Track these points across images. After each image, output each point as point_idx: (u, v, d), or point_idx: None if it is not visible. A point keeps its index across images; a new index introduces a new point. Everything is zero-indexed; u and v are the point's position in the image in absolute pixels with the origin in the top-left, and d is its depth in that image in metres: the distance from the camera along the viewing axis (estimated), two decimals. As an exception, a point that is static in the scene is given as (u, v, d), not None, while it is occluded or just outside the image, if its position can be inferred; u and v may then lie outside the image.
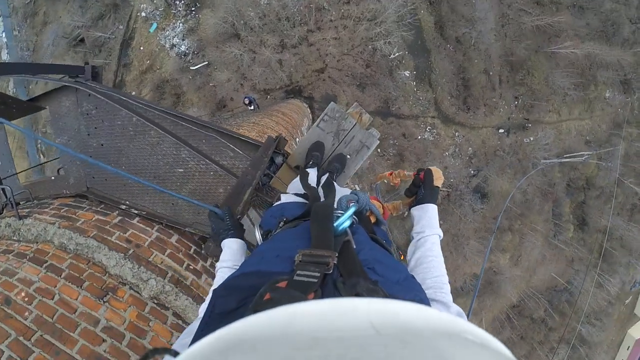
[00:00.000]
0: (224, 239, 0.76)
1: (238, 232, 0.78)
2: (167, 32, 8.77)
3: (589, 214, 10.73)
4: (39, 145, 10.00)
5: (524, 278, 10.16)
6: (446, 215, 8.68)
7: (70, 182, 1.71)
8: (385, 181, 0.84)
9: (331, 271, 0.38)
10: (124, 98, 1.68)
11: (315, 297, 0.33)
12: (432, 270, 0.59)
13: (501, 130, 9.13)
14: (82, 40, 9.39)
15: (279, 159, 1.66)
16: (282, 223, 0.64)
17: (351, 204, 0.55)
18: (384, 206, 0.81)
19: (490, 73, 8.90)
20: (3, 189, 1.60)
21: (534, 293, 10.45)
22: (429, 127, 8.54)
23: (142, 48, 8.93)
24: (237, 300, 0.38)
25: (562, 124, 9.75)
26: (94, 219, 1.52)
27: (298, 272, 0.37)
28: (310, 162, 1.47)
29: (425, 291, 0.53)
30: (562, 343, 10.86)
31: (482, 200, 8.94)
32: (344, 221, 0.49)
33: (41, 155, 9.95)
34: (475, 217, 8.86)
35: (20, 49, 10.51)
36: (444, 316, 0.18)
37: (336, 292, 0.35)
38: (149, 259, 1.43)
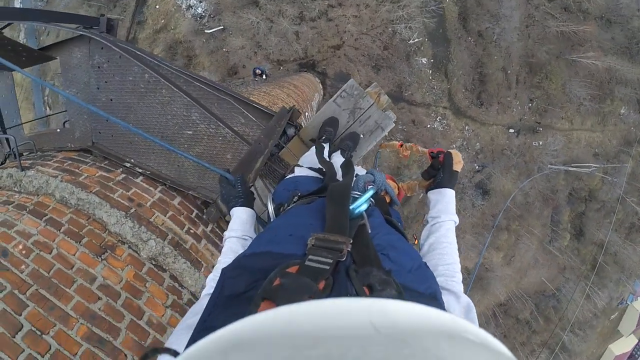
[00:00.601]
0: (233, 207, 0.73)
1: (248, 200, 0.75)
2: (185, -9, 8.56)
3: (587, 225, 10.78)
4: (46, 97, 9.92)
5: (514, 278, 10.31)
6: (446, 207, 8.70)
7: (76, 136, 1.67)
8: (388, 150, 0.84)
9: (344, 258, 0.37)
10: (139, 53, 1.62)
11: (326, 285, 0.33)
12: (446, 257, 0.57)
13: (511, 130, 9.06)
14: (97, -8, 9.17)
15: (291, 131, 1.63)
16: (296, 198, 0.62)
17: (369, 186, 0.54)
18: (399, 186, 0.79)
19: (508, 72, 8.76)
20: (7, 139, 1.58)
21: (522, 294, 10.63)
22: (439, 117, 8.47)
23: (157, 6, 8.73)
24: (246, 283, 0.36)
25: (573, 133, 9.68)
26: (97, 174, 1.50)
27: (310, 256, 0.36)
28: (323, 137, 1.45)
29: (438, 278, 0.52)
30: (544, 348, 11.11)
31: (483, 196, 8.96)
32: (361, 204, 0.47)
33: (47, 108, 9.89)
34: (474, 213, 8.91)
35: (33, -2, 10.28)
36: (444, 316, 0.18)
37: (348, 281, 0.34)
38: (150, 220, 1.42)
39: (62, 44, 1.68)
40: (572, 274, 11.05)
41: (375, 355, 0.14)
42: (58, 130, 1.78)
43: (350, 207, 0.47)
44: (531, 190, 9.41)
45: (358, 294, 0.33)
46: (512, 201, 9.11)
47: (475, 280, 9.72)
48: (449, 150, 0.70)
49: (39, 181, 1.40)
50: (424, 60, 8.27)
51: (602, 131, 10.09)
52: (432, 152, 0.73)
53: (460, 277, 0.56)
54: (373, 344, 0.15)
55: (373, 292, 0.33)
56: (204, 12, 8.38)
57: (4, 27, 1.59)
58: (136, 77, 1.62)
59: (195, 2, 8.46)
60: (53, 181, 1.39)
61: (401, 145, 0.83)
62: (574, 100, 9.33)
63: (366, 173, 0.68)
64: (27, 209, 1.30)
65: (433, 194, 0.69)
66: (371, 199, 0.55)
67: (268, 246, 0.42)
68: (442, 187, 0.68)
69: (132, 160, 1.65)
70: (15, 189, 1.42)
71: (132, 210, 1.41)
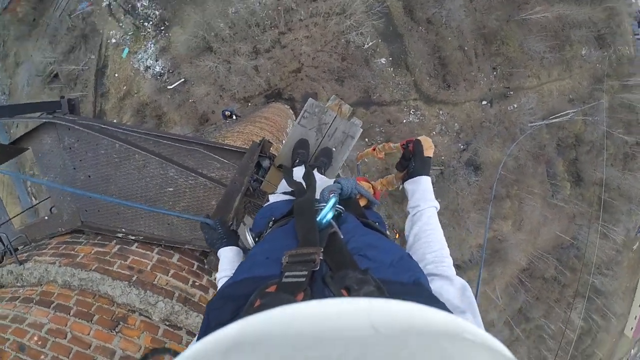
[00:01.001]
0: (219, 248, 0.76)
1: (232, 239, 0.77)
2: (140, 55, 8.73)
3: (582, 169, 10.90)
4: (29, 188, 9.91)
5: (529, 241, 10.30)
6: (442, 192, 8.77)
7: (64, 219, 1.71)
8: (366, 160, 0.83)
9: (318, 267, 0.38)
10: (104, 126, 1.67)
11: (305, 296, 0.33)
12: (432, 244, 0.57)
13: (484, 102, 9.23)
14: (56, 75, 9.31)
15: (265, 163, 1.66)
16: (271, 223, 0.63)
17: (332, 195, 0.54)
18: (373, 186, 0.80)
19: (465, 48, 8.99)
20: (5, 236, 1.60)
21: (541, 254, 10.61)
22: (412, 110, 8.61)
23: (116, 75, 8.88)
24: (231, 311, 0.37)
25: (543, 87, 9.88)
26: (93, 251, 1.52)
27: (286, 273, 0.37)
28: (297, 161, 1.47)
29: (427, 267, 0.53)
30: (577, 297, 11.03)
31: (475, 172, 9.05)
32: (325, 214, 0.48)
33: (33, 198, 9.87)
34: (472, 190, 8.97)
35: (-5, 93, 10.41)
36: (444, 316, 0.18)
37: (325, 288, 0.35)
38: (154, 282, 1.43)
39: (31, 134, 1.71)
40: (583, 219, 11.09)
41: (374, 356, 0.14)
42: (46, 217, 1.79)
43: (317, 219, 0.48)
44: (520, 153, 9.53)
45: (336, 297, 0.33)
46: (504, 168, 9.20)
47: (492, 254, 9.71)
48: (418, 138, 0.69)
49: (38, 271, 1.42)
50: (383, 60, 8.47)
51: (570, 77, 10.32)
52: (403, 144, 0.73)
53: (450, 261, 0.55)
54: (372, 344, 0.15)
55: (351, 292, 0.33)
56: (162, 69, 8.54)
57: None
58: (108, 149, 1.66)
59: (152, 62, 8.63)
60: (52, 268, 1.41)
61: (374, 149, 0.83)
62: (534, 57, 9.56)
63: (334, 182, 0.68)
64: (34, 301, 1.32)
65: (409, 184, 0.69)
66: (339, 206, 0.56)
67: (247, 273, 0.43)
68: (416, 176, 0.68)
69: (124, 230, 1.67)
70: (18, 283, 1.44)
71: (134, 278, 1.42)
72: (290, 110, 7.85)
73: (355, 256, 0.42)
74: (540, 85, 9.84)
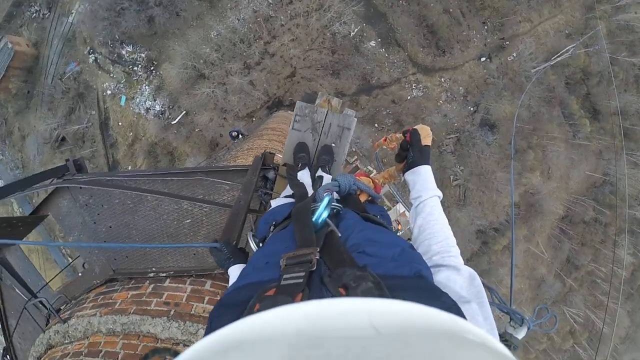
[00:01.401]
0: (227, 268, 0.76)
1: (238, 258, 0.77)
2: (137, 99, 8.89)
3: (597, 102, 10.52)
4: (63, 250, 10.23)
5: (561, 188, 9.99)
6: (464, 158, 8.59)
7: (97, 272, 1.79)
8: (384, 147, 0.79)
9: (315, 268, 0.38)
10: (110, 178, 1.74)
11: (303, 297, 0.33)
12: (437, 235, 0.56)
13: (483, 59, 9.01)
14: (63, 139, 9.58)
15: (271, 174, 1.64)
16: (272, 227, 0.63)
17: (325, 194, 0.53)
18: (373, 180, 0.78)
19: (450, 10, 8.80)
20: (41, 302, 1.67)
21: (576, 198, 10.28)
22: (414, 85, 8.47)
23: (120, 123, 9.07)
24: (232, 318, 0.36)
25: (537, 29, 9.59)
26: (129, 296, 1.58)
27: (284, 276, 0.37)
28: (300, 165, 1.47)
29: (433, 257, 0.53)
30: (621, 234, 10.64)
31: (492, 131, 8.83)
32: (320, 213, 0.48)
33: (68, 258, 10.18)
34: (492, 150, 8.75)
35: (10, 169, 10.80)
36: (444, 316, 0.18)
37: (323, 287, 0.35)
38: (191, 312, 1.46)
39: (47, 200, 1.80)
40: (610, 153, 10.70)
41: (375, 356, 0.14)
42: (80, 274, 1.88)
43: (313, 219, 0.48)
44: (531, 101, 9.25)
45: (334, 296, 0.33)
46: (520, 120, 8.95)
47: (527, 210, 9.45)
48: (414, 127, 0.68)
49: (82, 325, 1.48)
50: (372, 43, 8.37)
51: (561, 12, 9.98)
52: (404, 132, 0.70)
53: (456, 250, 0.54)
54: (373, 344, 0.15)
55: (348, 290, 0.32)
56: (162, 107, 8.68)
57: None
58: (121, 198, 1.72)
59: (150, 102, 8.77)
60: (94, 319, 1.47)
61: (385, 140, 0.80)
62: (521, 1, 9.29)
63: (332, 180, 0.67)
64: (83, 354, 1.37)
65: (409, 175, 0.67)
66: (337, 203, 0.56)
67: (247, 279, 0.43)
68: (415, 166, 0.66)
69: (154, 269, 1.72)
70: (66, 341, 1.50)
71: (172, 312, 1.46)
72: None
73: (354, 253, 0.42)
74: (533, 27, 9.55)
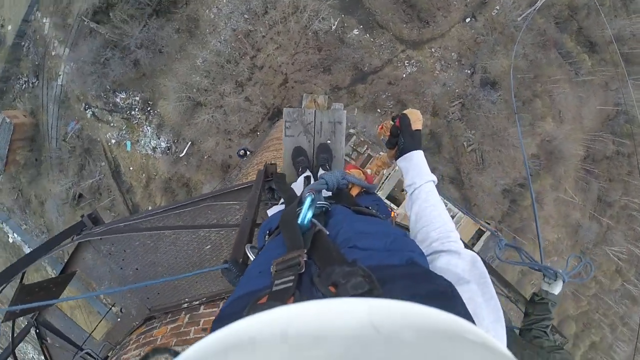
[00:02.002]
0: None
1: None
2: (142, 140, 9.06)
3: (590, 35, 10.25)
4: (103, 300, 10.46)
5: (576, 128, 9.76)
6: (472, 122, 8.47)
7: (134, 314, 1.84)
8: (382, 137, 0.77)
9: (303, 269, 0.37)
10: (125, 223, 1.82)
11: (294, 300, 0.33)
12: (434, 221, 0.55)
13: (467, 20, 8.88)
14: (80, 195, 9.83)
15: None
16: (266, 237, 0.62)
17: (308, 195, 0.52)
18: (364, 172, 0.76)
19: (423, -21, 8.70)
20: (87, 353, 1.74)
21: (594, 135, 10.02)
22: (406, 62, 8.40)
23: (131, 168, 9.25)
24: None
25: (513, -24, 9.38)
26: (168, 330, 1.60)
27: (275, 282, 0.37)
28: (300, 169, 1.46)
29: (432, 244, 0.52)
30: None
31: (494, 88, 8.68)
32: (304, 215, 0.48)
33: (109, 306, 10.40)
34: (499, 107, 8.60)
35: (35, 236, 11.12)
36: (444, 316, 0.18)
37: (313, 288, 0.35)
38: None
39: (72, 257, 1.88)
40: (616, 82, 10.38)
41: (375, 356, 0.14)
42: (119, 319, 1.94)
43: (298, 222, 0.47)
44: (526, 50, 9.07)
45: (325, 295, 0.32)
46: (519, 71, 8.77)
47: (547, 158, 9.25)
48: (404, 112, 0.66)
49: None
50: (355, 31, 8.35)
51: (533, -45, 9.75)
52: (393, 118, 0.69)
53: (455, 235, 0.54)
54: (373, 344, 0.15)
55: (338, 287, 0.32)
56: (167, 143, 8.82)
57: (22, 278, 1.73)
58: (140, 240, 1.79)
59: (155, 141, 8.93)
60: (161, 350, 1.49)
61: (382, 128, 0.78)
62: (491, -47, 9.12)
63: (319, 178, 0.65)
64: None
65: (401, 162, 0.66)
66: (324, 201, 0.55)
67: (242, 290, 0.43)
68: (407, 152, 0.64)
69: (187, 299, 1.77)
70: None
71: None
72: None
73: (345, 249, 0.41)
74: (510, -24, 9.34)
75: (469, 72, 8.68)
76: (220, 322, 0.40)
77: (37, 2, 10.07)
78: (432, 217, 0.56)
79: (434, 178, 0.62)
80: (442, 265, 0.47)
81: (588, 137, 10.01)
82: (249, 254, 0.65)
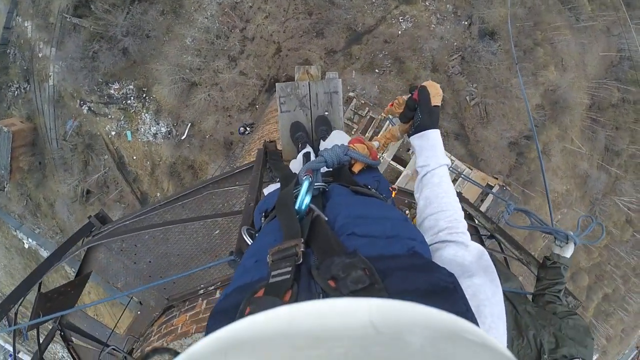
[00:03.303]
0: None
1: None
2: (142, 128, 9.02)
3: (590, -23, 9.79)
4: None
5: (580, 76, 9.51)
6: (473, 75, 8.28)
7: (153, 305, 1.87)
8: (391, 116, 0.71)
9: (301, 260, 0.36)
10: (130, 220, 1.83)
11: (292, 294, 0.31)
12: (444, 208, 0.52)
13: (460, -32, 8.51)
14: (88, 192, 9.91)
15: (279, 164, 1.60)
16: (263, 219, 0.58)
17: (305, 177, 0.48)
18: (368, 146, 0.71)
19: None
20: (113, 349, 1.76)
21: (598, 82, 9.78)
22: (400, 18, 8.15)
23: (135, 157, 9.26)
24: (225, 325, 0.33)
25: None
26: (187, 317, 1.63)
27: (272, 273, 0.35)
28: (300, 145, 1.41)
29: (439, 233, 0.50)
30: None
31: (493, 38, 8.42)
32: (302, 200, 0.45)
33: (130, 297, 10.67)
34: (500, 57, 8.37)
35: (50, 237, 11.31)
36: (445, 316, 0.18)
37: (311, 280, 0.33)
38: None
39: (86, 259, 1.91)
40: (618, 26, 10.02)
41: (375, 356, 0.14)
42: (139, 312, 1.98)
43: (296, 207, 0.45)
44: (523, -4, 8.72)
45: (324, 290, 0.31)
46: (517, 19, 8.47)
47: (552, 108, 9.07)
48: (423, 84, 0.60)
49: (152, 359, 1.53)
50: (345, -9, 8.05)
51: None
52: (411, 89, 0.63)
53: (464, 225, 0.52)
54: (373, 344, 0.15)
55: (338, 281, 0.31)
56: (167, 127, 8.78)
57: (40, 287, 1.75)
58: (149, 233, 1.79)
59: (155, 127, 8.89)
60: (161, 350, 1.51)
61: (392, 105, 0.74)
62: None
63: (319, 155, 0.61)
64: None
65: (416, 140, 0.61)
66: (321, 183, 0.53)
67: (237, 282, 0.41)
68: (423, 130, 0.60)
69: (202, 285, 1.79)
70: None
71: None
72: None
73: (344, 236, 0.40)
74: None
75: (465, 23, 8.40)
76: (215, 317, 0.38)
77: (15, 7, 9.85)
78: (443, 204, 0.54)
79: (448, 162, 0.59)
80: (449, 256, 0.46)
81: (592, 85, 9.76)
82: (245, 238, 0.61)
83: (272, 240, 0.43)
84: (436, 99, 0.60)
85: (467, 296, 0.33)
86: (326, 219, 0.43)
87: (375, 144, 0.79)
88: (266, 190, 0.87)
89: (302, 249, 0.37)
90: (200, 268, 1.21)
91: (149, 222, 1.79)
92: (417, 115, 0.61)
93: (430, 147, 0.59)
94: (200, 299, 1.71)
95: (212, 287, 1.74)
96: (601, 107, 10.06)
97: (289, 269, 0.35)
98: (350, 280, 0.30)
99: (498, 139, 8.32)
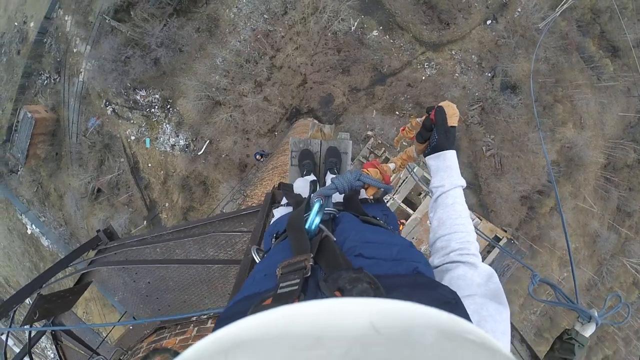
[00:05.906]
0: None
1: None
2: (161, 138, 9.21)
3: (613, 39, 10.00)
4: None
5: (597, 135, 9.53)
6: (492, 126, 8.35)
7: (146, 323, 1.87)
8: (405, 142, 0.74)
9: (309, 273, 0.37)
10: (136, 239, 1.89)
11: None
12: (457, 230, 0.53)
13: (488, 22, 8.76)
14: (99, 190, 10.05)
15: None
16: (273, 240, 0.61)
17: (316, 200, 0.51)
18: (381, 170, 0.72)
19: (443, -19, 8.62)
20: (104, 358, 1.80)
21: (615, 142, 9.77)
22: (425, 64, 8.34)
23: (150, 165, 9.41)
24: None
25: (536, -24, 9.22)
26: (177, 341, 1.63)
27: (280, 284, 0.36)
28: (305, 172, 1.43)
29: (451, 254, 0.51)
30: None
31: (514, 92, 8.54)
32: (312, 220, 0.48)
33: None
34: (519, 111, 8.47)
35: (54, 228, 11.40)
36: (444, 316, 0.18)
37: (318, 292, 0.34)
38: None
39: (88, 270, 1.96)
40: (638, 87, 10.08)
41: (375, 356, 0.14)
42: (131, 327, 1.98)
43: (306, 227, 0.47)
44: (547, 53, 8.90)
45: None
46: (540, 75, 8.61)
47: (567, 165, 9.05)
48: (440, 104, 0.60)
49: None
50: (375, 32, 8.32)
51: (556, -43, 9.56)
52: (428, 110, 0.64)
53: (476, 247, 0.52)
54: (373, 344, 0.15)
55: (344, 292, 0.32)
56: (186, 141, 8.95)
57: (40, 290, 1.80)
58: (152, 254, 1.85)
59: (174, 139, 9.07)
60: (162, 350, 1.52)
61: (404, 130, 0.73)
62: (513, -44, 8.98)
63: (331, 182, 0.63)
64: None
65: (432, 160, 0.61)
66: (332, 208, 0.55)
67: (245, 291, 0.42)
68: (440, 150, 0.60)
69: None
70: None
71: None
72: (315, 120, 7.89)
73: (350, 257, 0.41)
74: (532, -24, 9.18)
75: (489, 75, 8.56)
76: (222, 322, 0.39)
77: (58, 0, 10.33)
78: (456, 225, 0.54)
79: (464, 183, 0.59)
80: (458, 277, 0.46)
81: (609, 144, 9.77)
82: (254, 257, 0.63)
83: (282, 257, 0.44)
84: (453, 120, 0.60)
85: (469, 312, 0.33)
86: (335, 239, 0.45)
87: (392, 165, 0.80)
88: (277, 212, 0.88)
89: (311, 263, 0.39)
90: (192, 314, 1.18)
91: (153, 247, 1.82)
92: (434, 135, 0.61)
93: (445, 167, 0.59)
94: (192, 325, 1.71)
95: (205, 317, 1.74)
96: (616, 167, 10.02)
97: (297, 280, 0.36)
98: (356, 291, 0.31)
99: (510, 192, 8.30)
